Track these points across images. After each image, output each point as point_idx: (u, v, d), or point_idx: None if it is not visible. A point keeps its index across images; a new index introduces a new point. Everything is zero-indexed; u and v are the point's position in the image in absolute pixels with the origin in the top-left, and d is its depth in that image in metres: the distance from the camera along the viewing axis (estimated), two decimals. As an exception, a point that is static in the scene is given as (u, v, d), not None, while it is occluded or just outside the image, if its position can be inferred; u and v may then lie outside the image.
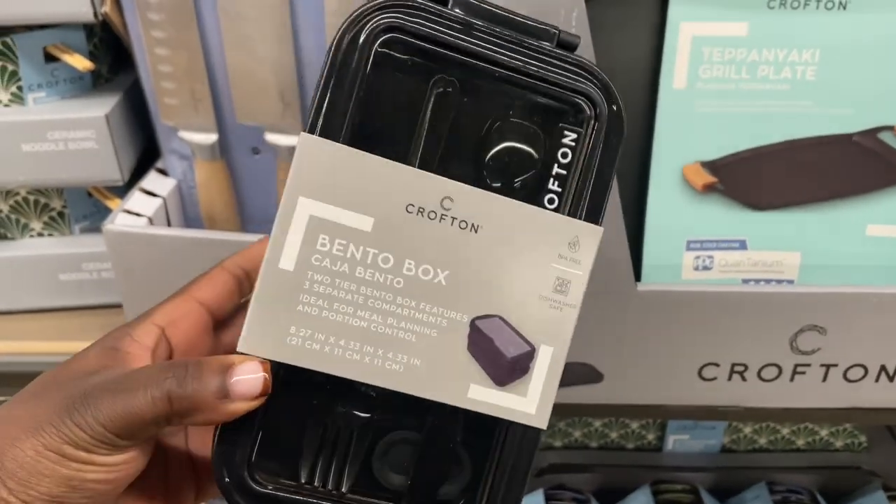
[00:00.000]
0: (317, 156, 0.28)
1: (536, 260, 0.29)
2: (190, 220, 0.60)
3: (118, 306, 0.60)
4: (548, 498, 0.71)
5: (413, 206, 0.29)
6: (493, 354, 0.29)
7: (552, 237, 0.29)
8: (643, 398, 0.52)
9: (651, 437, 0.84)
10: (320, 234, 0.28)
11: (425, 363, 0.29)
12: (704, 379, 0.51)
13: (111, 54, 0.59)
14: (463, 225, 0.29)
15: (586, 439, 0.83)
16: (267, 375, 0.27)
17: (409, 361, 0.29)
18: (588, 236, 0.30)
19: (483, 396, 0.29)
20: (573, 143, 0.29)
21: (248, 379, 0.27)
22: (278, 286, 0.28)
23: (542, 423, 0.30)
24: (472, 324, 0.29)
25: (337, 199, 0.28)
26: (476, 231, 0.29)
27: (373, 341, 0.29)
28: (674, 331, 0.49)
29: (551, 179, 0.30)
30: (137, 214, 0.54)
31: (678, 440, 0.82)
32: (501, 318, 0.29)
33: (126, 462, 0.27)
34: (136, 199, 0.55)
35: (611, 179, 0.30)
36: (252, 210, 0.59)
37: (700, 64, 0.52)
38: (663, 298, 0.48)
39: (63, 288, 0.60)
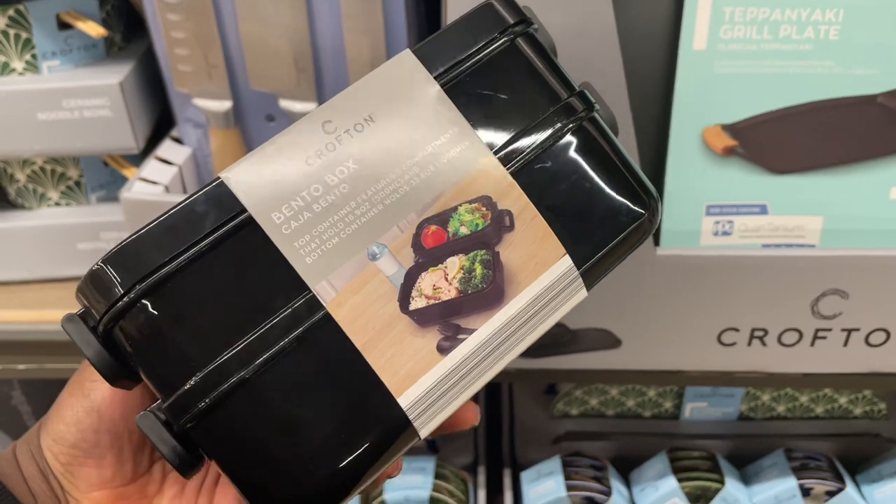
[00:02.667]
0: None
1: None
2: (205, 189, 0.60)
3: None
4: (565, 465, 0.71)
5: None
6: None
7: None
8: (661, 364, 0.51)
9: (668, 405, 0.84)
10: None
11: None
12: (724, 344, 0.50)
13: (123, 21, 0.59)
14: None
15: (603, 407, 0.83)
16: None
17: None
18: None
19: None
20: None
21: None
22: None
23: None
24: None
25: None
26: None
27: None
28: (693, 296, 0.48)
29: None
30: (154, 182, 0.54)
31: (695, 408, 0.82)
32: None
33: None
34: (151, 167, 0.55)
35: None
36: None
37: (721, 24, 0.51)
38: (683, 263, 0.47)
39: (81, 257, 0.60)
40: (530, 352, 0.52)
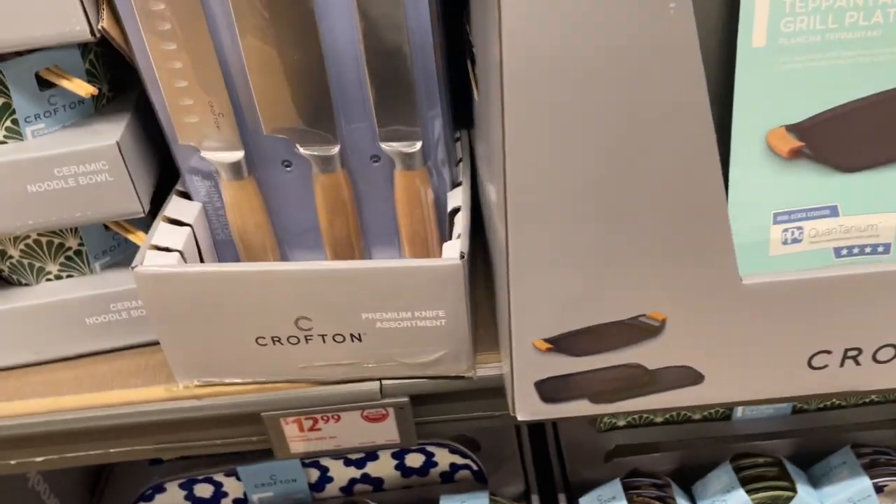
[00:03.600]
0: None
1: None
2: (220, 244, 0.55)
3: (153, 344, 0.55)
4: (626, 487, 0.67)
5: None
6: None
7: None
8: (747, 394, 0.47)
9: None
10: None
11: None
12: (814, 368, 0.46)
13: (110, 70, 0.52)
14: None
15: (650, 414, 0.79)
16: None
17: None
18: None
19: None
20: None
21: None
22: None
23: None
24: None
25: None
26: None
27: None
28: (780, 322, 0.44)
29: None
30: (167, 249, 0.49)
31: (747, 406, 0.78)
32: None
33: None
34: (162, 232, 0.49)
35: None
36: (288, 225, 0.54)
37: (782, 17, 0.46)
38: (768, 289, 0.43)
39: (91, 332, 0.55)
40: (602, 398, 0.47)
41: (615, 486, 0.67)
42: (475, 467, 0.75)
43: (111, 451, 0.55)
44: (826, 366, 0.46)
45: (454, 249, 0.46)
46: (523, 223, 0.39)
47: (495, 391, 0.52)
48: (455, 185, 0.52)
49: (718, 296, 0.42)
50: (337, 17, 0.45)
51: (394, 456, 0.75)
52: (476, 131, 0.52)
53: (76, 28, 0.43)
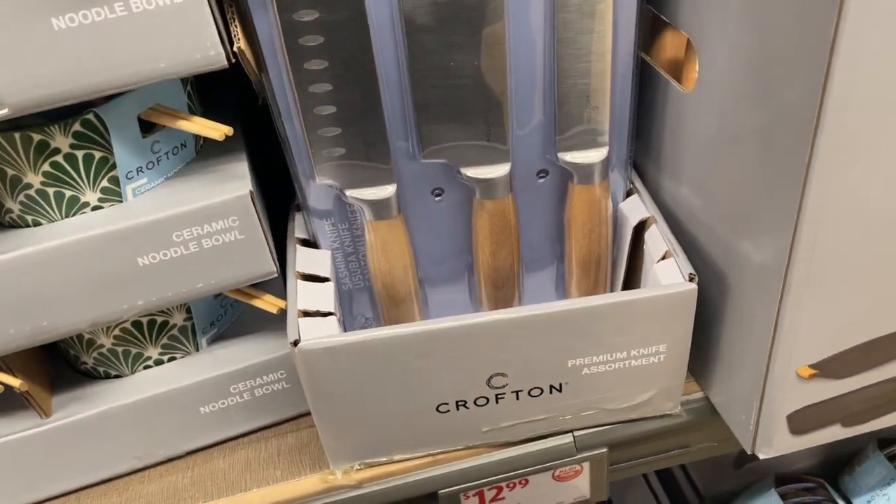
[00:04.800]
0: None
1: None
2: (344, 295, 0.46)
3: (280, 423, 0.46)
4: (782, 496, 0.62)
5: None
6: None
7: None
8: None
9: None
10: None
11: None
12: None
13: (202, 105, 0.43)
14: None
15: None
16: None
17: None
18: None
19: None
20: None
21: None
22: None
23: None
24: None
25: None
26: None
27: None
28: None
29: None
30: (317, 314, 0.40)
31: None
32: None
33: None
34: (305, 293, 0.40)
35: None
36: (426, 260, 0.45)
37: None
38: None
39: (206, 422, 0.45)
40: (855, 419, 0.41)
41: (770, 498, 0.62)
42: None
43: (253, 564, 0.45)
44: None
45: (673, 270, 0.39)
46: (817, 246, 0.33)
47: (697, 424, 0.45)
48: (627, 194, 0.45)
49: None
50: (514, 20, 0.37)
51: None
52: (659, 137, 0.44)
53: (210, 53, 0.33)
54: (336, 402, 0.40)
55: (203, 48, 0.33)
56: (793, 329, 0.35)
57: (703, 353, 0.44)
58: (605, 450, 0.44)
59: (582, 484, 0.46)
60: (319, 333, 0.38)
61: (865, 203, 0.32)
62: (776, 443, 0.41)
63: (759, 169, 0.34)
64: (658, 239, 0.42)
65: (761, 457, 0.41)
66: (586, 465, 0.45)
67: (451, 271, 0.46)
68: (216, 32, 0.33)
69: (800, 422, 0.40)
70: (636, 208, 0.44)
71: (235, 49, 0.34)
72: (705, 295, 0.41)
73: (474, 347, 0.39)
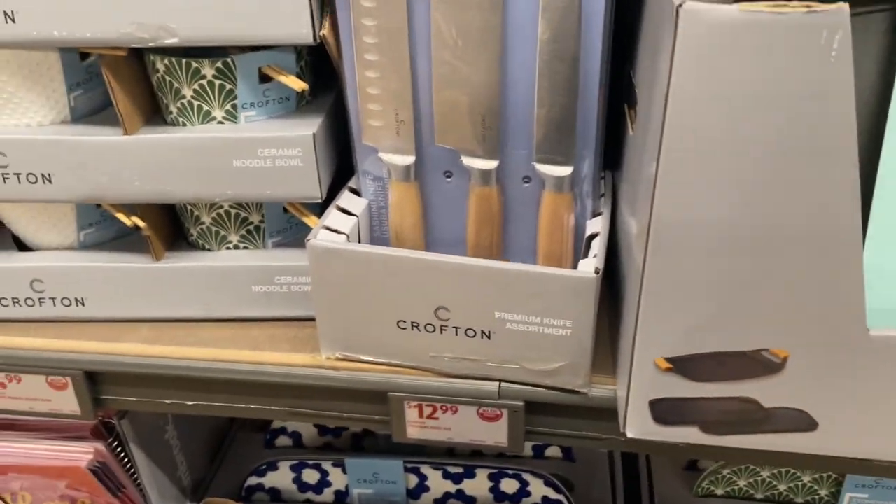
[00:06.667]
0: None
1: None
2: (375, 240, 0.61)
3: (304, 319, 0.62)
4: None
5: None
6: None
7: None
8: (861, 452, 0.48)
9: (824, 492, 0.78)
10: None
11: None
12: (937, 436, 0.46)
13: (312, 76, 0.61)
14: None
15: (752, 489, 0.79)
16: None
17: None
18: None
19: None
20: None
21: None
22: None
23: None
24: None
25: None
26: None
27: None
28: (904, 381, 0.45)
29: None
30: (336, 231, 0.56)
31: (855, 499, 0.76)
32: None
33: None
34: (334, 217, 0.57)
35: None
36: (438, 233, 0.60)
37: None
38: None
39: (255, 299, 0.62)
40: (712, 428, 0.49)
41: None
42: (567, 504, 0.76)
43: (251, 406, 0.61)
44: (949, 436, 0.46)
45: (590, 265, 0.51)
46: (663, 250, 0.43)
47: (605, 413, 0.54)
48: (595, 215, 0.57)
49: (843, 343, 0.44)
50: (520, 49, 0.51)
51: (490, 478, 0.78)
52: (623, 170, 0.56)
53: (303, 31, 0.51)
54: (329, 295, 0.55)
55: (299, 27, 0.51)
56: (647, 322, 0.45)
57: (611, 353, 0.54)
58: (521, 403, 0.55)
59: (501, 429, 0.57)
60: (328, 239, 0.54)
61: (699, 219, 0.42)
62: (641, 426, 0.50)
63: (644, 198, 0.45)
64: (595, 246, 0.53)
65: (629, 434, 0.50)
66: (505, 413, 0.56)
67: (451, 239, 0.60)
68: (310, 19, 0.51)
69: (661, 411, 0.49)
70: (594, 225, 0.56)
71: (320, 35, 0.52)
72: (624, 296, 0.51)
73: (426, 279, 0.52)
